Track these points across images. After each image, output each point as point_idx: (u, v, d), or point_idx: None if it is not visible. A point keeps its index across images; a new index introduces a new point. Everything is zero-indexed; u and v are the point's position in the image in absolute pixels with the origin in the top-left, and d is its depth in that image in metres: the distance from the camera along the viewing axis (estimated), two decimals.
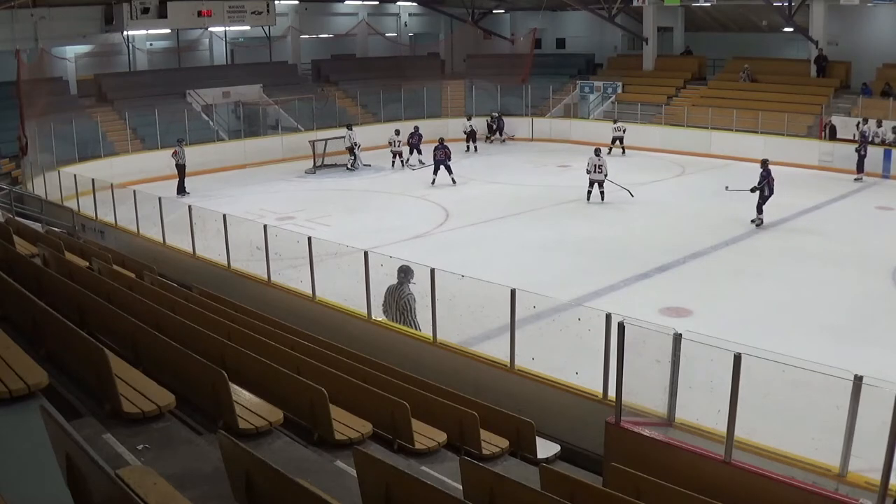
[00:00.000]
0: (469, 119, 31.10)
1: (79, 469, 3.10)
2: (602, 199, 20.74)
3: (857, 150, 23.85)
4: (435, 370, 8.99)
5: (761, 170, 18.19)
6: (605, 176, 20.67)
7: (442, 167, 23.51)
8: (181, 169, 22.94)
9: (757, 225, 18.22)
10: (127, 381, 5.27)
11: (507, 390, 8.68)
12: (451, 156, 23.72)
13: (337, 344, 8.71)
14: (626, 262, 15.57)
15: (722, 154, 27.52)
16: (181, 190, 22.80)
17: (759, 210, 18.28)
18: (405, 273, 9.86)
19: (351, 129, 27.04)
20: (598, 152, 20.96)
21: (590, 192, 20.87)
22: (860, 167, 23.90)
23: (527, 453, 7.52)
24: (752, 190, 18.28)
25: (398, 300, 9.90)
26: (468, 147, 30.14)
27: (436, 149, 23.63)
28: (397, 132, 26.74)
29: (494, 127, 32.17)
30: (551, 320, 10.21)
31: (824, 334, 11.82)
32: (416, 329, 9.81)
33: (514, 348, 8.77)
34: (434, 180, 23.52)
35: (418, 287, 9.92)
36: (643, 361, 6.84)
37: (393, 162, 26.75)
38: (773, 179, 18.16)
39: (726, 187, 19.49)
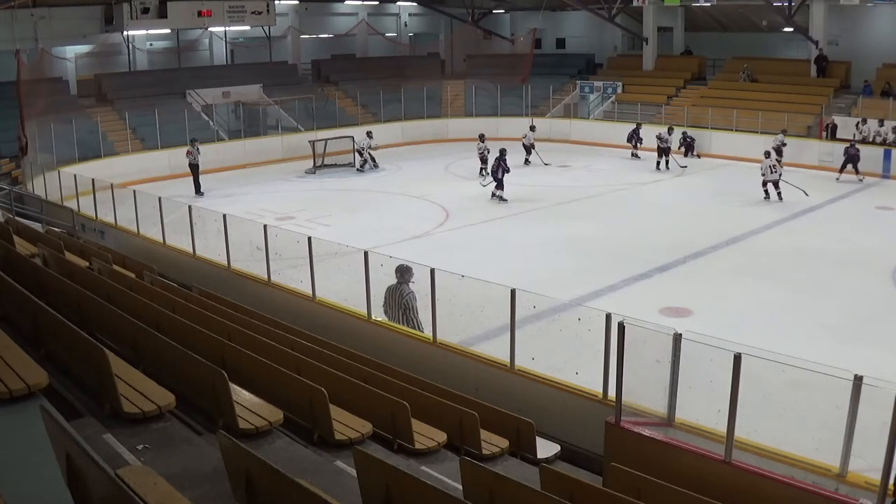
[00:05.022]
0: (670, 132, 26.81)
1: (79, 469, 3.10)
2: (779, 198, 20.75)
3: (847, 150, 23.32)
4: (435, 370, 8.98)
5: None
6: (780, 176, 20.74)
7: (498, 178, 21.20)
8: (195, 169, 22.87)
9: None
10: (127, 381, 5.27)
11: (507, 390, 8.68)
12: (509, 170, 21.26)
13: (337, 344, 8.70)
14: (626, 262, 15.56)
15: (722, 154, 27.54)
16: (197, 190, 22.77)
17: None
18: (402, 272, 9.85)
19: (371, 137, 26.49)
20: (767, 154, 21.21)
21: (767, 192, 21.00)
22: (855, 168, 23.48)
23: (527, 453, 7.52)
24: None
25: (399, 299, 9.90)
26: (658, 164, 26.25)
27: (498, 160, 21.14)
28: (482, 137, 24.68)
29: (688, 143, 28.13)
30: (551, 320, 10.21)
31: (824, 334, 11.82)
32: (418, 328, 9.80)
33: (514, 348, 8.75)
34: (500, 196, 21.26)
35: (418, 287, 9.89)
36: (643, 361, 6.83)
37: (481, 169, 24.18)
38: None
39: None
